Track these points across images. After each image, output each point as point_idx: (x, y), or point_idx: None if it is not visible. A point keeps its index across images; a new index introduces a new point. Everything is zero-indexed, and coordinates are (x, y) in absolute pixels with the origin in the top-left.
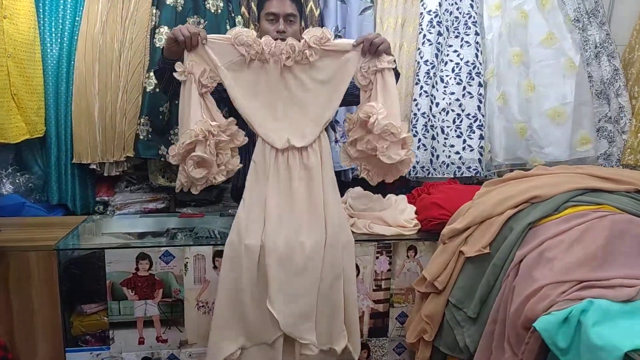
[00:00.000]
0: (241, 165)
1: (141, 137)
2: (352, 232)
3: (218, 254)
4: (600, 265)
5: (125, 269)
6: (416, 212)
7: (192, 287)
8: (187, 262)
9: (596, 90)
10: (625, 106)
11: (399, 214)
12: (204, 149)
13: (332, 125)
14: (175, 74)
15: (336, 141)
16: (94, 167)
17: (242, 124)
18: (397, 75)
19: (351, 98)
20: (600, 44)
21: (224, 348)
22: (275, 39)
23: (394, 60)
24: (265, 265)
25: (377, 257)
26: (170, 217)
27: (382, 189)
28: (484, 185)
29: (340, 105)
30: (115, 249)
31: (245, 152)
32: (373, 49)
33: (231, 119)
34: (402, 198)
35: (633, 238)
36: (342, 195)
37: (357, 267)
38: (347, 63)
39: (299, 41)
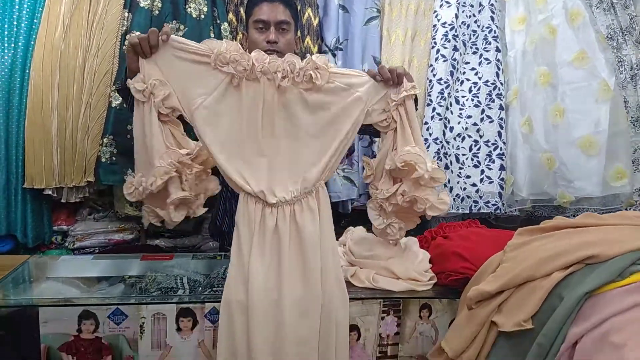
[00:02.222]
0: (219, 189)
1: (103, 159)
2: (353, 285)
3: (183, 313)
4: None
5: (64, 330)
6: (431, 261)
7: (149, 354)
8: (143, 323)
9: (632, 118)
10: None
11: (410, 264)
12: (182, 187)
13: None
14: (132, 92)
15: None
16: (50, 192)
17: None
18: (416, 100)
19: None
20: (637, 66)
21: None
22: (266, 51)
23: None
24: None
25: (383, 318)
26: (132, 259)
27: None
28: (518, 234)
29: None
30: (52, 306)
31: (224, 189)
32: (400, 79)
33: (199, 143)
34: (413, 242)
35: None
36: (337, 230)
37: (358, 329)
38: (353, 105)
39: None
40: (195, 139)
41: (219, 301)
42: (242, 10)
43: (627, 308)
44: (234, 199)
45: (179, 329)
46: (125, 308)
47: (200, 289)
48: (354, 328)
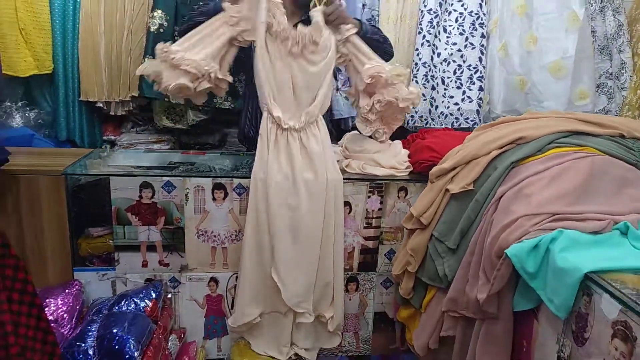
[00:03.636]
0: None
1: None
2: (346, 171)
3: (217, 187)
4: (575, 201)
5: (129, 196)
6: (409, 156)
7: (192, 217)
8: (187, 193)
9: (599, 46)
10: (627, 62)
11: (392, 157)
12: (193, 84)
13: (333, 73)
14: (230, 17)
15: (337, 89)
16: (101, 105)
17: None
18: (391, 55)
19: None
20: None
21: (248, 313)
22: None
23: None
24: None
25: (369, 197)
26: (174, 153)
27: None
28: (475, 130)
29: None
30: (120, 176)
31: (253, 94)
32: (337, 21)
33: (229, 77)
34: (397, 142)
35: (611, 178)
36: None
37: (350, 204)
38: (331, 54)
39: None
40: None
41: (244, 178)
42: None
43: (538, 172)
44: (259, 110)
45: (214, 199)
46: (174, 180)
47: (228, 170)
48: (346, 204)
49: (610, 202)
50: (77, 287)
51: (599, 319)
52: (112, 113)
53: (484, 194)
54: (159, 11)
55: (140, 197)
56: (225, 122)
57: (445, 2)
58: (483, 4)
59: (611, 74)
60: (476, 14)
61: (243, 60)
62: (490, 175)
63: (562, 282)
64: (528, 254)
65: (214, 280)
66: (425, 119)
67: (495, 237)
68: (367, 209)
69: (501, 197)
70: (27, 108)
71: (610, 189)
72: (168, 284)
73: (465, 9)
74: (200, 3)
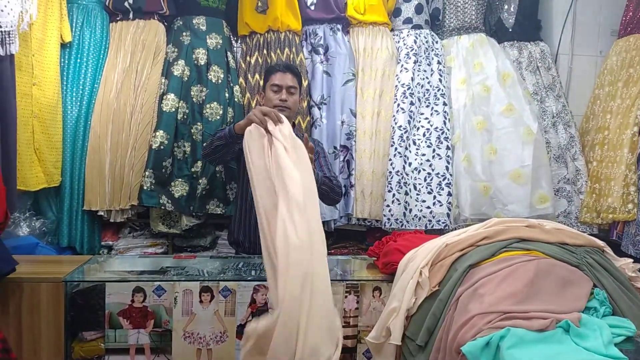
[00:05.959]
0: None
1: (145, 187)
2: None
3: (204, 290)
4: (523, 300)
5: (122, 300)
6: (380, 256)
7: (180, 319)
8: (176, 296)
9: (554, 155)
10: (581, 169)
11: None
12: None
13: None
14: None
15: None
16: (102, 213)
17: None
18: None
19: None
20: (556, 114)
21: None
22: (278, 106)
23: None
24: None
25: (346, 297)
26: (166, 258)
27: (364, 237)
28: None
29: None
30: (115, 282)
31: (244, 201)
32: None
33: None
34: None
35: (554, 279)
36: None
37: None
38: None
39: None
40: None
41: (231, 280)
42: (249, 76)
43: (491, 273)
44: (248, 213)
45: (200, 301)
46: (165, 285)
47: (216, 274)
48: None
49: (554, 301)
50: None
51: None
52: (112, 220)
53: (446, 293)
54: (161, 131)
55: (132, 301)
56: (216, 225)
57: (413, 119)
58: (446, 121)
59: (568, 179)
60: (441, 129)
61: (234, 170)
62: (452, 276)
63: None
64: (481, 351)
65: None
66: (401, 222)
67: (454, 334)
68: (344, 309)
69: (460, 296)
70: (34, 218)
71: (554, 289)
72: None
73: (431, 125)
74: (199, 124)
